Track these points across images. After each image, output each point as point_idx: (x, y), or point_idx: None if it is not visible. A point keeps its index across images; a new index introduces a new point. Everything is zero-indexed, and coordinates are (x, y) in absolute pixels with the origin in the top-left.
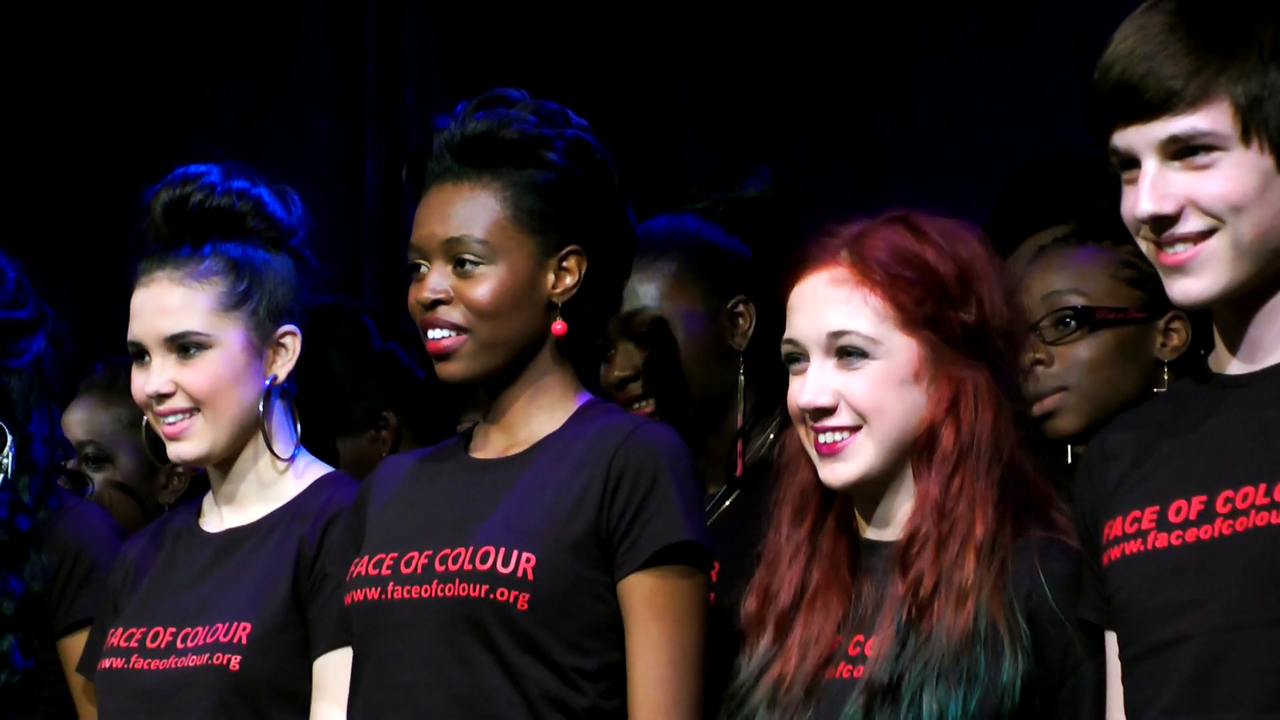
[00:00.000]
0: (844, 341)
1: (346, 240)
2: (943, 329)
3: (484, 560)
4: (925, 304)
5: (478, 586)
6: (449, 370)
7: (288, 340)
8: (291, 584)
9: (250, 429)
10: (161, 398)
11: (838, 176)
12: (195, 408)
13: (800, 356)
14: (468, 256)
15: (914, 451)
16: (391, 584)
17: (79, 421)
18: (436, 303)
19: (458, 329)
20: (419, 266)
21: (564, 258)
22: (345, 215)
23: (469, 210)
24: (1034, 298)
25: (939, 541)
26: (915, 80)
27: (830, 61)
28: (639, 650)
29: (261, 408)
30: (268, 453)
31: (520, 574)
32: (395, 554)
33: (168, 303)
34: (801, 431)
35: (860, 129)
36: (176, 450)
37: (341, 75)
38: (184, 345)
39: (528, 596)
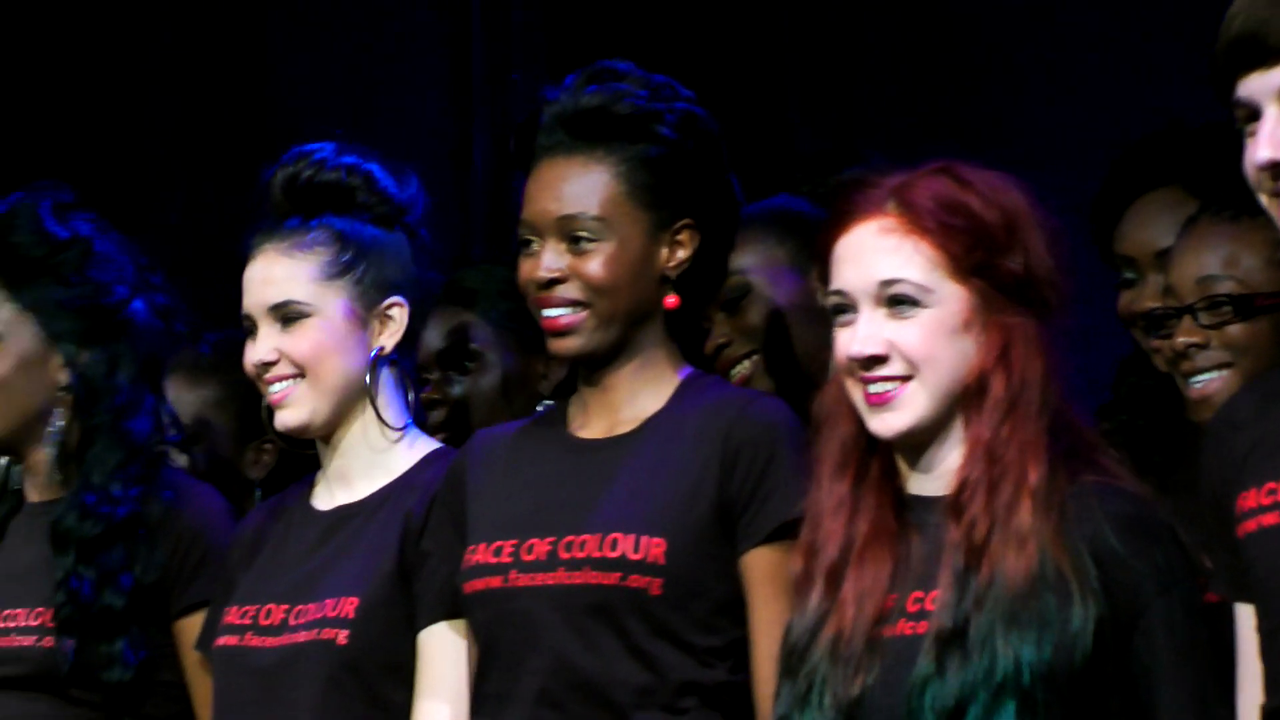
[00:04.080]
0: (895, 290)
1: (456, 221)
2: (991, 277)
3: (613, 547)
4: (974, 252)
5: (609, 574)
6: (568, 345)
7: (395, 312)
8: (398, 558)
9: (354, 400)
10: (266, 366)
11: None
12: (299, 373)
13: (849, 307)
14: (583, 234)
15: (964, 400)
16: (514, 572)
17: None
18: (553, 281)
19: (577, 304)
20: (530, 243)
21: (677, 231)
22: (455, 196)
23: (583, 186)
24: (1186, 278)
25: (991, 486)
26: (1023, 56)
27: (937, 38)
28: (763, 626)
29: (368, 379)
30: (377, 425)
31: (651, 560)
32: (515, 540)
33: (273, 273)
34: (849, 383)
35: (968, 106)
36: (281, 418)
37: (449, 58)
38: (286, 314)
39: (660, 582)
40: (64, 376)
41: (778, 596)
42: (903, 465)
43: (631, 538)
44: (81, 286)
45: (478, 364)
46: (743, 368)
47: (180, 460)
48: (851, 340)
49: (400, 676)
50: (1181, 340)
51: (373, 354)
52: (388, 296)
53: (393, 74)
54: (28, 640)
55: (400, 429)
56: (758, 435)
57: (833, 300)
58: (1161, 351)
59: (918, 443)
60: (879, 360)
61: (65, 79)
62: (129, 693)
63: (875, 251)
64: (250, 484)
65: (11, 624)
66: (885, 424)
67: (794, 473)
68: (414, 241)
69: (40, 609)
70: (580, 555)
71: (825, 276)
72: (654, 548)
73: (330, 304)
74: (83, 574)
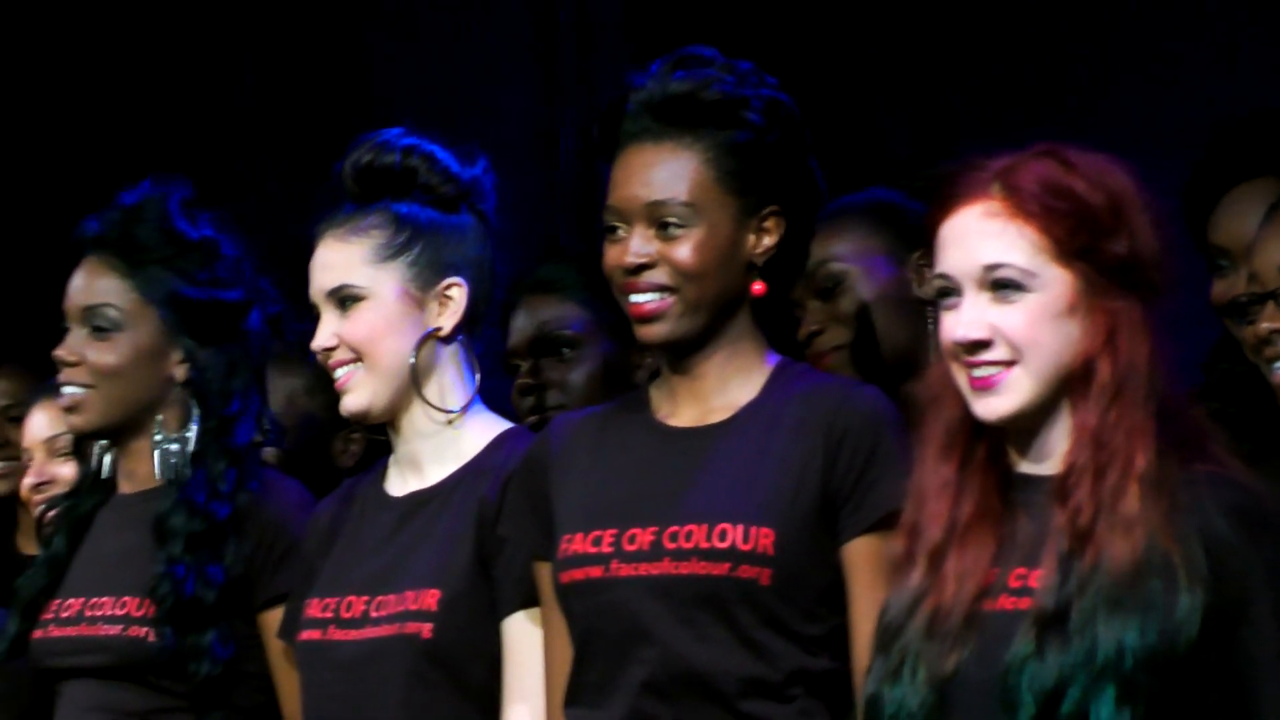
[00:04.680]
0: (999, 275)
1: (543, 212)
2: (1096, 261)
3: (722, 538)
4: (1079, 235)
5: (718, 564)
6: (656, 332)
7: (454, 292)
8: (475, 546)
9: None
10: (328, 352)
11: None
12: (358, 358)
13: (953, 291)
14: (671, 219)
15: (1069, 384)
16: (615, 561)
17: None
18: (641, 267)
19: (665, 290)
20: (616, 229)
21: (764, 218)
22: (541, 187)
23: (671, 172)
24: (1269, 265)
25: (1097, 472)
26: (1113, 43)
27: (1025, 25)
28: (864, 613)
29: (414, 358)
30: (431, 406)
31: (761, 550)
32: (615, 529)
33: (330, 259)
34: (954, 367)
35: (1057, 95)
36: (344, 404)
37: (535, 48)
38: (342, 298)
39: (770, 572)
40: (181, 372)
41: (878, 584)
42: (1010, 447)
43: (740, 528)
44: (207, 285)
45: (576, 352)
46: (833, 357)
47: (268, 452)
48: (956, 324)
49: (485, 663)
50: (1264, 326)
51: (424, 333)
52: (446, 277)
53: (481, 63)
54: (113, 629)
55: (453, 411)
56: (861, 425)
57: (937, 284)
58: (1246, 338)
59: (1024, 426)
60: (983, 345)
61: (158, 70)
62: (216, 684)
63: (979, 235)
64: (338, 473)
65: (98, 612)
66: (989, 408)
67: (896, 462)
68: (479, 222)
69: (126, 598)
70: (687, 545)
71: (932, 260)
72: (763, 538)
73: (384, 286)
74: (189, 565)
